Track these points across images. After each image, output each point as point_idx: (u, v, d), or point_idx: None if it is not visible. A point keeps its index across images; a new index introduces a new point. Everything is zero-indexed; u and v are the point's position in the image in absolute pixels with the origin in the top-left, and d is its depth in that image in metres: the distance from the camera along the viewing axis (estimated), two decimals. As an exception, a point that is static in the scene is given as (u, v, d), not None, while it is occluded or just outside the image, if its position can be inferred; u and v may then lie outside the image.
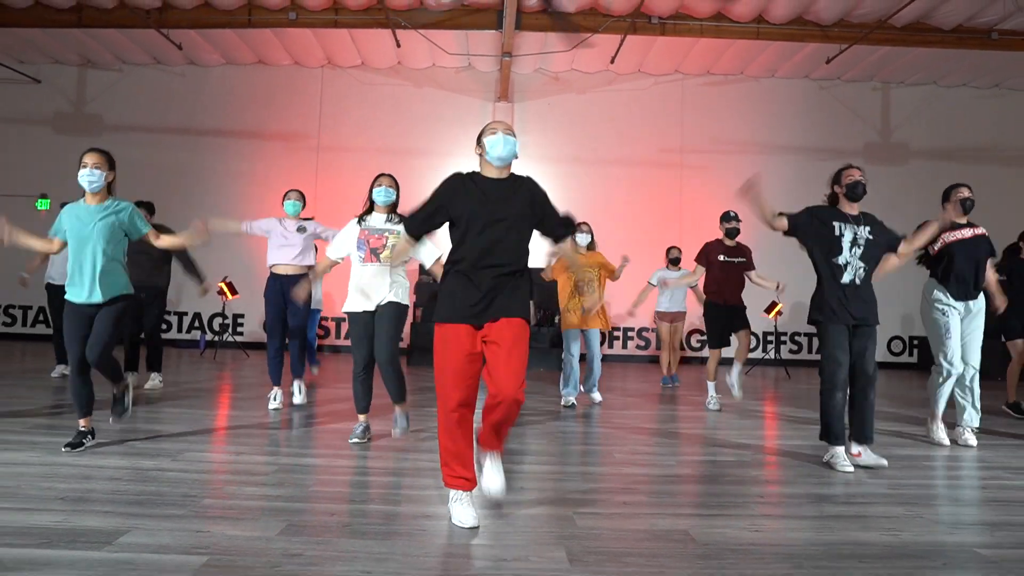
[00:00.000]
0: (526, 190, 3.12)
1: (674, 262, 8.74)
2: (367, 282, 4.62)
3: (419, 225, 3.10)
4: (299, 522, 2.89)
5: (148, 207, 7.11)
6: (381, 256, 4.64)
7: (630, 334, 12.60)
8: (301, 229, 5.94)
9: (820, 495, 3.60)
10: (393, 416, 4.80)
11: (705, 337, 8.52)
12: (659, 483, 3.78)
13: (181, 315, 12.53)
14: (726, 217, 6.96)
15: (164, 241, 4.37)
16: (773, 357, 11.92)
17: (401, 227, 4.59)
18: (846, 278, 4.31)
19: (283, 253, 5.88)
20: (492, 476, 2.99)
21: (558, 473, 3.97)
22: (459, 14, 10.33)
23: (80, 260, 4.05)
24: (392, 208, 4.79)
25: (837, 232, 4.35)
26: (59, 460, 3.77)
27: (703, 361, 11.52)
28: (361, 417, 4.73)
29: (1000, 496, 3.68)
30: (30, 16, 10.50)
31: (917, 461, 4.54)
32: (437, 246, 4.41)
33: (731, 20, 10.58)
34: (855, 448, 4.35)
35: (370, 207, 4.77)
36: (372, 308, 4.60)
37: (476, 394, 2.99)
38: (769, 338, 12.56)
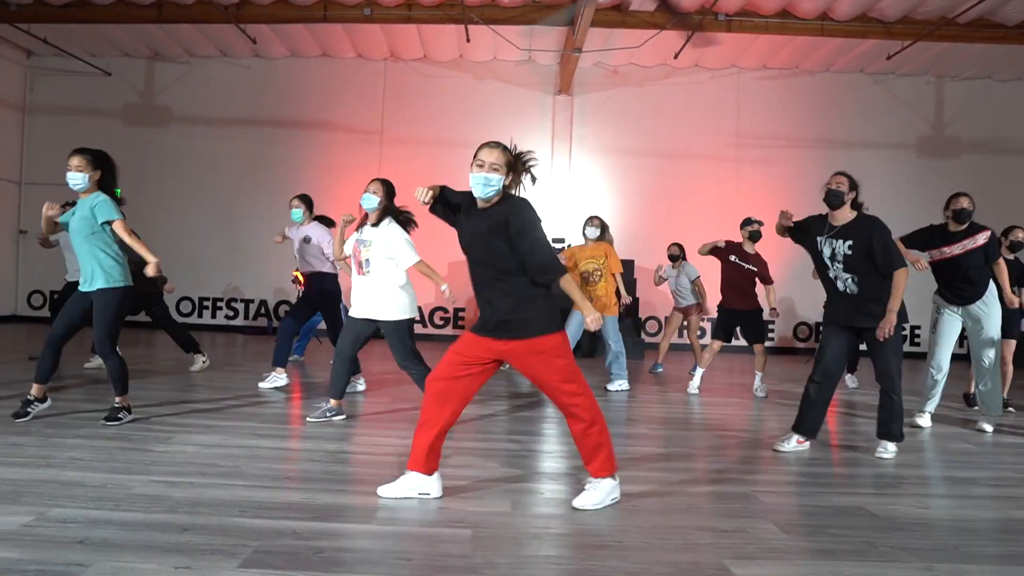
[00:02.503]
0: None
1: (673, 258, 8.84)
2: (360, 292, 4.79)
3: None
4: (530, 500, 3.20)
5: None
6: (366, 269, 4.74)
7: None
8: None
9: (961, 478, 3.88)
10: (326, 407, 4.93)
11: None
12: (804, 464, 4.06)
13: (247, 302, 12.88)
14: (747, 221, 7.13)
15: (128, 238, 4.34)
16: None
17: (379, 234, 4.70)
18: (839, 287, 4.37)
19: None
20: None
21: (708, 451, 4.25)
22: (531, 10, 10.54)
23: (74, 252, 4.52)
24: (384, 214, 4.72)
25: (818, 247, 4.43)
26: (247, 443, 4.09)
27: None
28: (333, 402, 4.86)
29: None
30: (112, 12, 10.77)
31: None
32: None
33: (796, 17, 10.74)
34: (880, 445, 4.42)
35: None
36: (365, 316, 4.76)
37: None
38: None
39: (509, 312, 3.00)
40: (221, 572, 2.27)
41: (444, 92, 12.93)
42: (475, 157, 3.01)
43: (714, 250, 7.06)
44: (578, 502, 3.09)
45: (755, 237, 7.09)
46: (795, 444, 4.46)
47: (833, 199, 4.38)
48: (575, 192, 12.51)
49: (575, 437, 3.12)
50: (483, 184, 2.97)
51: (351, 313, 4.84)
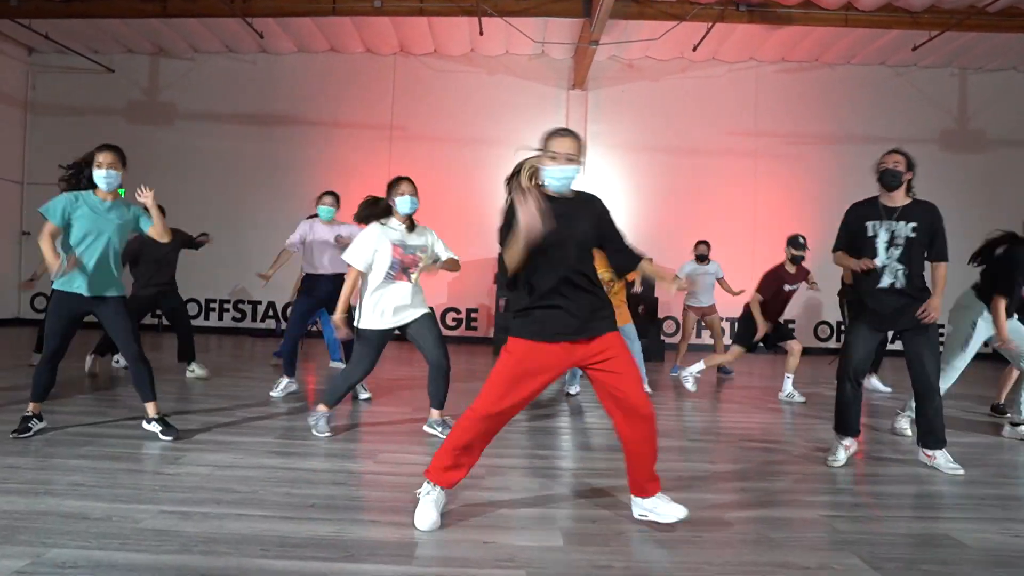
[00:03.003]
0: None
1: (701, 258, 8.45)
2: (396, 300, 4.44)
3: None
4: (581, 531, 2.87)
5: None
6: (412, 276, 4.50)
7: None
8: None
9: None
10: (429, 420, 4.66)
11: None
12: (867, 483, 3.74)
13: (255, 304, 12.58)
14: (796, 244, 6.76)
15: (166, 236, 4.36)
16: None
17: (424, 238, 4.53)
18: (884, 282, 4.04)
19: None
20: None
21: (759, 466, 3.93)
22: (546, 1, 10.21)
23: (92, 252, 4.08)
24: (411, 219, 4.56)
25: (870, 232, 4.09)
26: (264, 462, 3.78)
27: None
28: (327, 408, 4.54)
29: None
30: (115, 7, 10.49)
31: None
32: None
33: (819, 7, 10.39)
34: (924, 452, 4.16)
35: (387, 210, 4.50)
36: (396, 325, 4.47)
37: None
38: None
39: (596, 306, 2.87)
40: (245, 631, 1.96)
41: (455, 87, 12.61)
42: (548, 149, 2.79)
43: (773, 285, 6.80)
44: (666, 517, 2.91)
45: (797, 261, 6.80)
46: (844, 452, 4.19)
47: (891, 180, 4.07)
48: (589, 189, 12.14)
49: (640, 442, 2.87)
50: (568, 177, 2.84)
51: (381, 325, 4.45)
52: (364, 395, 5.99)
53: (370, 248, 4.40)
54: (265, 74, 12.68)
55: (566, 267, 2.80)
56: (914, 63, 12.51)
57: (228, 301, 12.60)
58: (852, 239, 4.22)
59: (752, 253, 11.75)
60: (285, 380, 6.00)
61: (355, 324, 4.51)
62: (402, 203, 4.46)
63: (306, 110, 12.61)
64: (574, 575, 2.44)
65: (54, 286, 4.07)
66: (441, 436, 4.50)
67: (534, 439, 4.67)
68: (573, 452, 4.41)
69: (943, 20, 10.43)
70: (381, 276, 4.42)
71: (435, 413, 4.63)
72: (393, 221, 4.50)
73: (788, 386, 6.75)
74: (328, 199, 6.15)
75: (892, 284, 4.04)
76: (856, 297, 4.31)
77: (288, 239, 6.21)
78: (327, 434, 4.48)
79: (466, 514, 3.04)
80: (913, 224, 4.00)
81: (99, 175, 4.06)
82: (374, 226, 4.47)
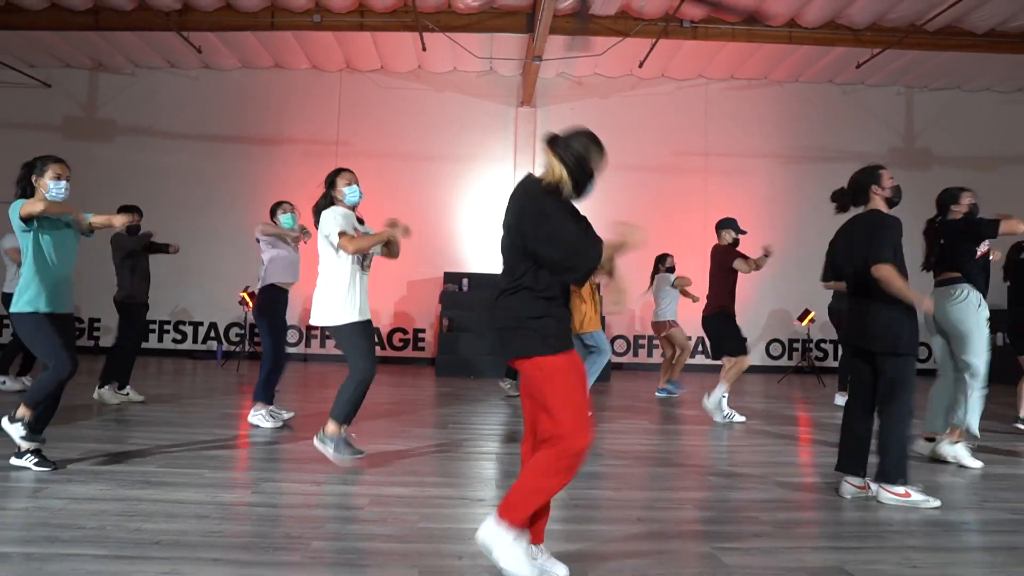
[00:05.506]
0: None
1: (671, 270, 8.49)
2: (362, 293, 4.34)
3: None
4: (430, 567, 2.64)
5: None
6: (365, 265, 4.39)
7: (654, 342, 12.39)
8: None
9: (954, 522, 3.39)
10: (336, 437, 4.16)
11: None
12: (776, 510, 3.55)
13: (196, 325, 12.21)
14: (733, 227, 6.82)
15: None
16: (805, 365, 11.79)
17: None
18: None
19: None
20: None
21: (663, 502, 3.73)
22: (488, 17, 10.09)
23: (65, 270, 4.02)
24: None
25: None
26: (129, 494, 3.51)
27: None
28: (346, 429, 4.23)
29: None
30: (45, 18, 10.16)
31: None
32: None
33: (763, 24, 10.40)
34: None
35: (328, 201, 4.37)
36: (368, 318, 4.35)
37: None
38: (795, 345, 12.42)
39: None
40: None
41: (404, 104, 12.43)
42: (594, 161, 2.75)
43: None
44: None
45: (736, 244, 6.79)
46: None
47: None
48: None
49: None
50: None
51: (360, 318, 4.24)
52: (286, 415, 5.69)
53: (348, 222, 4.25)
54: (209, 90, 12.42)
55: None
56: (861, 81, 12.60)
57: (168, 322, 12.21)
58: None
59: (703, 269, 11.61)
60: (265, 408, 5.53)
61: (331, 324, 4.23)
62: (351, 192, 4.36)
63: (250, 126, 12.35)
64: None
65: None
66: (331, 454, 4.13)
67: (429, 466, 4.45)
68: (470, 481, 4.19)
69: (885, 38, 10.49)
70: (347, 268, 4.24)
71: (332, 427, 4.18)
72: (343, 210, 4.33)
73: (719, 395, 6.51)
74: (287, 206, 5.94)
75: None
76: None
77: (266, 255, 5.75)
78: (358, 455, 4.18)
79: (322, 552, 2.80)
80: None
81: (58, 186, 3.97)
82: (338, 208, 4.30)
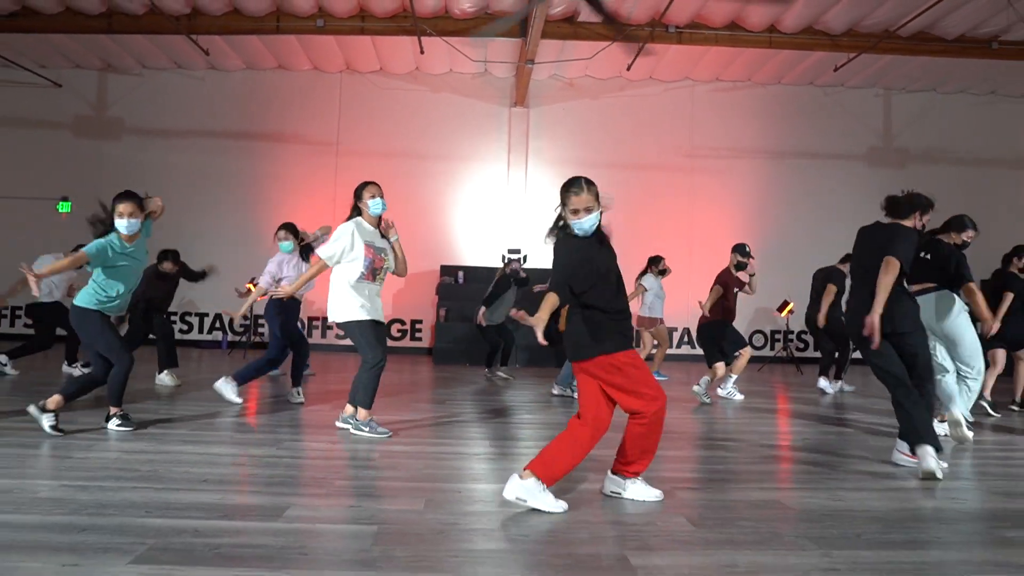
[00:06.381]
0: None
1: (663, 273, 9.12)
2: (370, 298, 4.69)
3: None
4: (437, 499, 3.18)
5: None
6: (378, 278, 4.72)
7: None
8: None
9: (883, 472, 3.94)
10: (369, 421, 4.62)
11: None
12: (742, 463, 4.10)
13: (202, 316, 12.72)
14: (743, 252, 7.18)
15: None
16: (785, 355, 12.34)
17: (388, 247, 4.80)
18: None
19: None
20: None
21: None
22: (483, 22, 10.61)
23: (130, 286, 4.57)
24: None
25: None
26: (172, 448, 4.03)
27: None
28: (367, 412, 4.62)
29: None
30: (59, 22, 10.65)
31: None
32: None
33: (745, 29, 10.95)
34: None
35: (356, 212, 4.73)
36: (374, 317, 4.68)
37: None
38: (777, 336, 12.98)
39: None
40: (109, 569, 2.23)
41: (401, 105, 12.95)
42: (568, 203, 3.29)
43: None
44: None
45: (740, 268, 7.16)
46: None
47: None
48: (531, 204, 12.55)
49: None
50: (592, 224, 3.29)
51: (361, 316, 4.64)
52: (297, 399, 6.13)
53: (341, 245, 4.60)
54: (214, 90, 12.92)
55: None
56: (840, 83, 13.17)
57: (175, 313, 12.69)
58: None
59: (688, 266, 12.20)
60: (235, 386, 5.86)
61: (338, 321, 4.68)
62: (374, 204, 4.71)
63: (254, 125, 12.86)
64: (420, 532, 2.74)
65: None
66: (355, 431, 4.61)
67: (429, 431, 4.98)
68: (466, 441, 4.72)
69: (860, 43, 11.05)
70: (355, 275, 4.61)
71: (362, 412, 4.63)
72: (364, 223, 4.72)
73: (730, 384, 7.30)
74: (282, 233, 6.28)
75: None
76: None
77: (262, 280, 6.21)
78: (387, 432, 4.56)
79: (346, 488, 3.34)
80: None
81: (120, 223, 4.42)
82: (350, 223, 4.66)
